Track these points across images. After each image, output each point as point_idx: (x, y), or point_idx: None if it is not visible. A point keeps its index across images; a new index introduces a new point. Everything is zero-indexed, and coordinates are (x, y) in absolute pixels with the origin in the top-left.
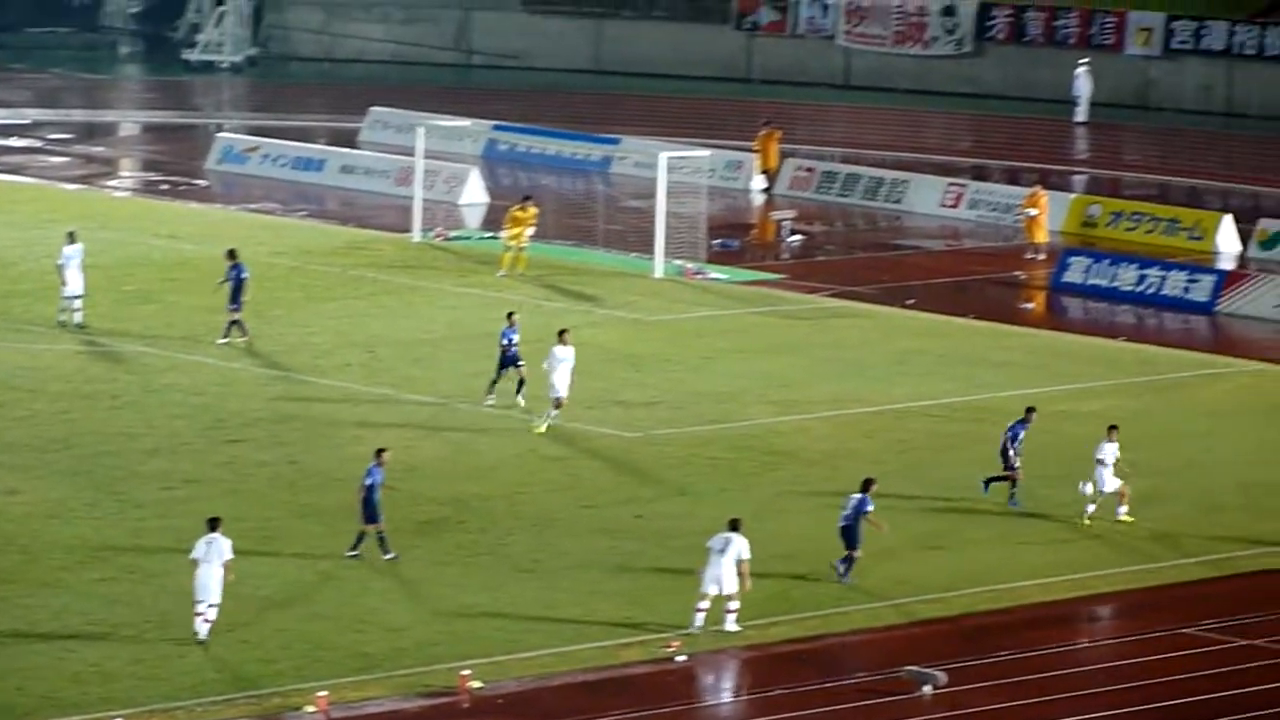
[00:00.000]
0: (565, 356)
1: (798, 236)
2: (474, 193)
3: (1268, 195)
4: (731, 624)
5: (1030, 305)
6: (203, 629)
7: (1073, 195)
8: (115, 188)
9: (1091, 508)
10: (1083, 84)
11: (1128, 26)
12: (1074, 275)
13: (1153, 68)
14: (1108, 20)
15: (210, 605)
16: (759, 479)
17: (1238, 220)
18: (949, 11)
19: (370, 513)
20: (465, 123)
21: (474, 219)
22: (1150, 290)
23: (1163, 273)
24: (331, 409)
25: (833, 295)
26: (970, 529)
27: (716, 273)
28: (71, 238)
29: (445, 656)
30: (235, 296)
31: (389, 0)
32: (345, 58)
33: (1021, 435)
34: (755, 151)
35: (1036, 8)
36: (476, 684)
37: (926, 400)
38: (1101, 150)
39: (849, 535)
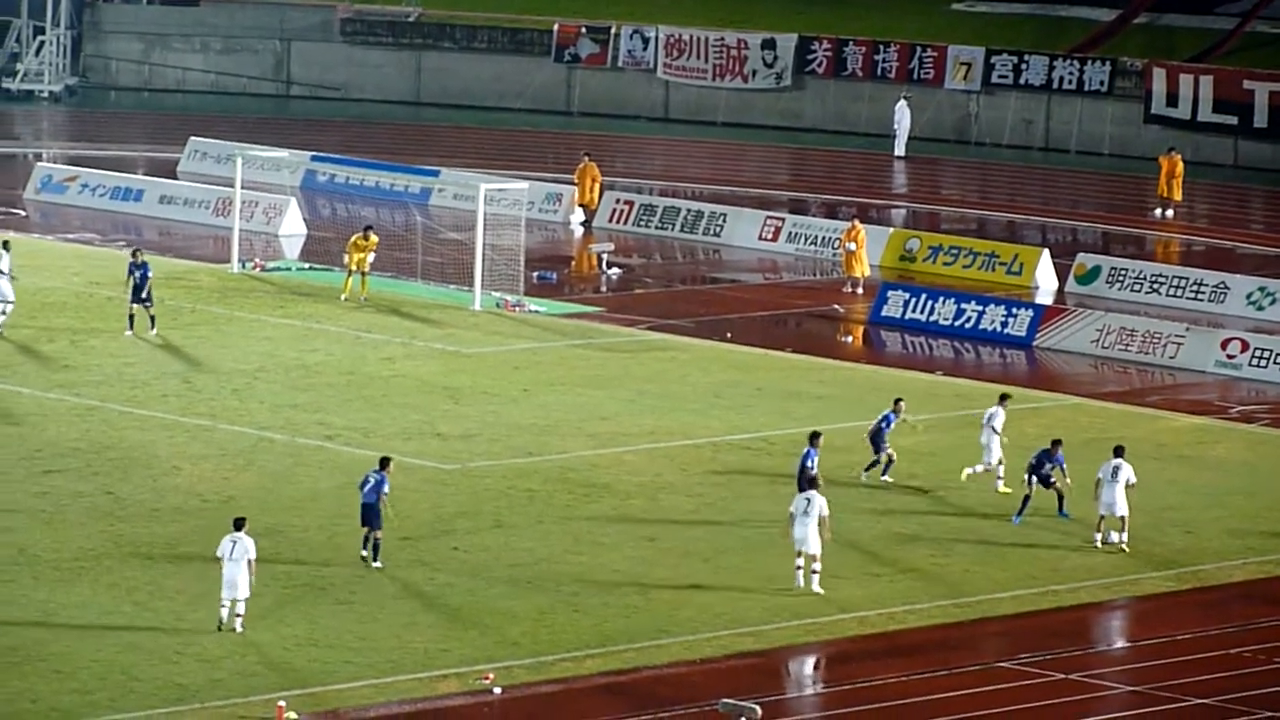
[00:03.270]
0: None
1: (616, 269)
2: (292, 223)
3: (1085, 230)
4: (816, 585)
5: (848, 339)
6: (233, 621)
7: (891, 229)
8: None
9: (971, 470)
10: (902, 117)
11: (947, 61)
12: (892, 309)
13: (972, 102)
14: (927, 54)
15: (239, 600)
16: (576, 511)
17: (1055, 255)
18: (769, 45)
19: (376, 519)
20: (284, 153)
21: (292, 250)
22: (968, 325)
23: (980, 307)
24: (149, 439)
25: (651, 328)
26: (785, 563)
27: (535, 305)
28: (5, 246)
29: (261, 688)
30: (139, 292)
31: (209, 31)
32: (165, 88)
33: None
34: (574, 184)
35: (856, 42)
36: (292, 715)
37: (744, 433)
38: (920, 184)
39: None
